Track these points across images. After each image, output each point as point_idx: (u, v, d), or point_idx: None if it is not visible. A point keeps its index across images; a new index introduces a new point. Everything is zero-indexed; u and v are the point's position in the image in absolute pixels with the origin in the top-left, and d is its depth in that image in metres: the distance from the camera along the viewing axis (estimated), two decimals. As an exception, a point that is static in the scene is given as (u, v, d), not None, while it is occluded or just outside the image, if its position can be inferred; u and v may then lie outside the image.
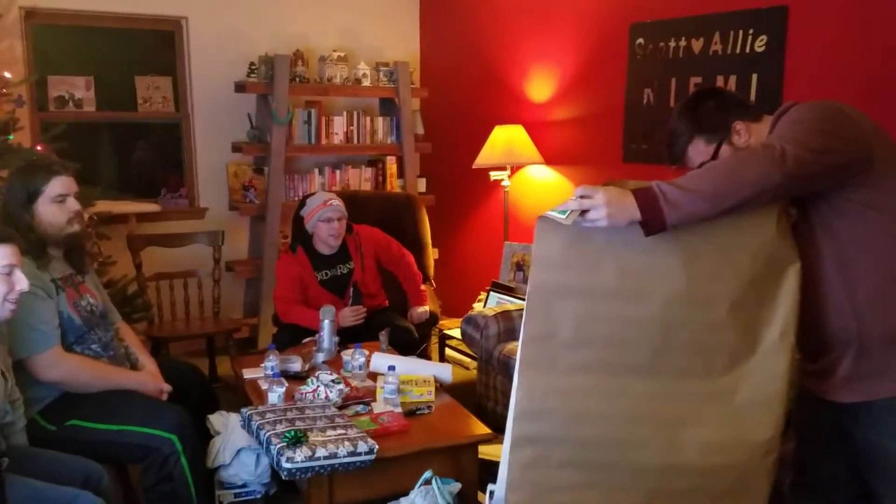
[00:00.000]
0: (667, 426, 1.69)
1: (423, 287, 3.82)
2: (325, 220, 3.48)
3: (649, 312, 1.65)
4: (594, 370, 1.66)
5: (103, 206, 4.17)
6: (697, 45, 3.59)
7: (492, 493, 1.80)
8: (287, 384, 2.75)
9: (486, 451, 2.61)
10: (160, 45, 4.78)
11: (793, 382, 1.78)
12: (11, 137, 3.37)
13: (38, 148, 3.36)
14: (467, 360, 4.36)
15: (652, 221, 1.57)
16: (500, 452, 1.76)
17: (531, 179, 4.62)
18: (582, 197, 1.58)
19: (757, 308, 1.69)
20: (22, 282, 2.00)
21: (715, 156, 1.80)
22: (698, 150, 1.82)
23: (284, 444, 2.18)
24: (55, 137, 3.61)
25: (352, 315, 3.41)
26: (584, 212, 1.57)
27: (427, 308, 3.78)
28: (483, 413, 3.56)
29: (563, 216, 1.57)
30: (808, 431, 1.93)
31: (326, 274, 3.56)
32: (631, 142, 3.95)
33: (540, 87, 4.51)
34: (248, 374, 3.00)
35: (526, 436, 1.65)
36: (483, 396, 3.70)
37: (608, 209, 1.55)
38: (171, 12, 4.63)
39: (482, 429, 2.58)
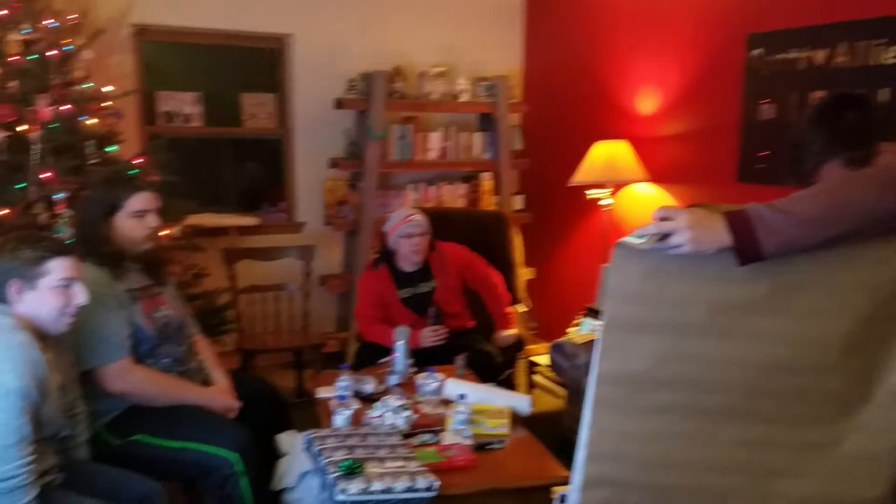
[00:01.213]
0: (757, 476, 1.50)
1: (509, 309, 3.64)
2: (406, 236, 3.38)
3: (741, 352, 1.44)
4: (675, 413, 1.47)
5: (203, 219, 4.27)
6: (821, 56, 3.26)
7: (563, 496, 1.65)
8: (358, 405, 2.66)
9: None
10: (266, 63, 4.87)
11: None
12: (115, 148, 3.47)
13: (137, 161, 3.43)
14: (558, 388, 4.13)
15: (745, 248, 1.35)
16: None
17: (637, 197, 4.36)
18: (663, 219, 1.38)
19: (876, 352, 1.45)
20: (80, 295, 1.98)
21: None
22: (834, 171, 1.57)
23: (339, 473, 2.07)
24: (156, 150, 3.70)
25: (432, 335, 3.28)
26: (665, 236, 1.37)
27: (513, 332, 3.60)
28: (570, 447, 3.33)
29: (642, 241, 1.38)
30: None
31: (408, 292, 3.46)
32: (748, 160, 3.64)
33: (647, 100, 4.26)
34: (322, 392, 2.93)
35: (598, 478, 1.51)
36: (570, 430, 3.47)
37: (692, 233, 1.34)
38: (278, 29, 4.70)
39: (558, 470, 2.37)
